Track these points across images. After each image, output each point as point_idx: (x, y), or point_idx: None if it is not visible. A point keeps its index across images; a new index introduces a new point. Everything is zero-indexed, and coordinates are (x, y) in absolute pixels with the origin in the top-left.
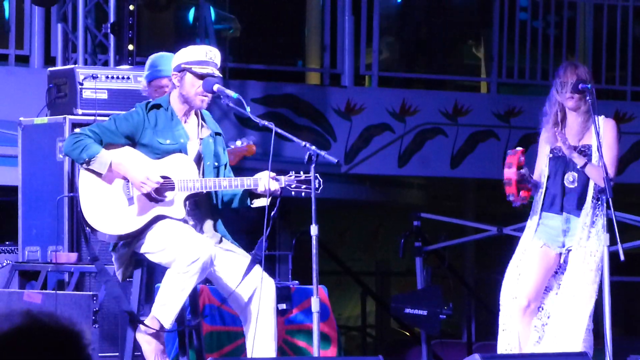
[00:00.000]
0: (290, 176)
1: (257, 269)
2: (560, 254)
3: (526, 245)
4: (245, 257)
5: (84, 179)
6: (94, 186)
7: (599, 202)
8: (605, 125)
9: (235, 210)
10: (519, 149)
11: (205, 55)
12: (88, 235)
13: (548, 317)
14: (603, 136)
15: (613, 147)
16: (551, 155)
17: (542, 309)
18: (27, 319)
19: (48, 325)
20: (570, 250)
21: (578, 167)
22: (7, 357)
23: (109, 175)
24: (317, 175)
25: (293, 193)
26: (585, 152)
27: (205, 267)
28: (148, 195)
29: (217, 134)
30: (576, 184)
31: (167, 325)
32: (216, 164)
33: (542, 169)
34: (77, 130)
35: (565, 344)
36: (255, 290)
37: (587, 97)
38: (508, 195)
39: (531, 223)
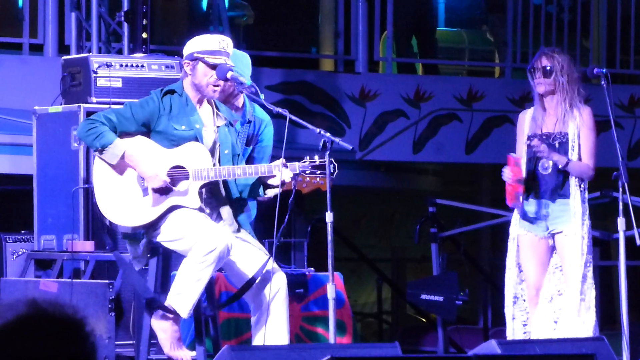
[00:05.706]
0: (305, 162)
1: (270, 260)
2: (546, 237)
3: (514, 235)
4: (258, 250)
5: (99, 169)
6: (109, 176)
7: (582, 188)
8: (582, 113)
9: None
10: (516, 156)
11: (218, 44)
12: (106, 225)
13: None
14: (581, 125)
15: (591, 135)
16: (528, 142)
17: (559, 294)
18: (30, 308)
19: (51, 314)
20: (555, 233)
21: (560, 167)
22: (10, 345)
23: (121, 164)
24: (332, 160)
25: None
26: (561, 139)
27: (222, 257)
28: (162, 187)
29: (230, 123)
30: (550, 171)
31: (184, 314)
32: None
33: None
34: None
35: (579, 328)
36: (267, 281)
37: (603, 82)
38: (515, 204)
39: (516, 212)
